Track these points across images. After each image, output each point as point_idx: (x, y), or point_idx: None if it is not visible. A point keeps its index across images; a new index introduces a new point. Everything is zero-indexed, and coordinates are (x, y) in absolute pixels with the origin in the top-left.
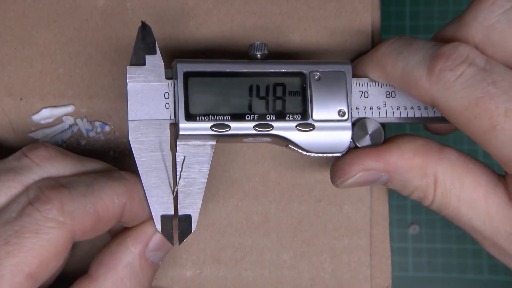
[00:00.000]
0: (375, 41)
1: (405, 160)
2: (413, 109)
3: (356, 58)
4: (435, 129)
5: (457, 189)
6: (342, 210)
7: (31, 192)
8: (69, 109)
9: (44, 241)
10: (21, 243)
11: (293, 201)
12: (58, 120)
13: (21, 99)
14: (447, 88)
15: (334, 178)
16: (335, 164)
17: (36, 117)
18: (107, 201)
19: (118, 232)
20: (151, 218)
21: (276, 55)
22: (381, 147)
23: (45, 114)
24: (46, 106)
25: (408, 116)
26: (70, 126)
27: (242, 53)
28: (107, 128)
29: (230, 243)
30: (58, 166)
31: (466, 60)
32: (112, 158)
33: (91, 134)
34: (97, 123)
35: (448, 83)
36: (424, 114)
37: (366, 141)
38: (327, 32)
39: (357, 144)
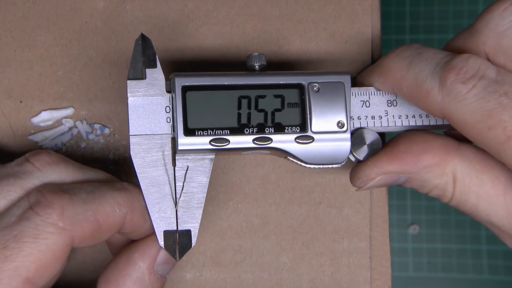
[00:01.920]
0: (374, 43)
1: (425, 161)
2: (414, 117)
3: (356, 61)
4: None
5: (476, 186)
6: (342, 213)
7: (32, 196)
8: (69, 111)
9: (43, 246)
10: (20, 247)
11: (293, 204)
12: (58, 123)
13: (21, 101)
14: (459, 100)
15: (353, 180)
16: (356, 166)
17: (35, 120)
18: (108, 210)
19: (118, 244)
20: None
21: (276, 58)
22: (401, 149)
23: (45, 117)
24: (46, 108)
25: (410, 124)
26: (70, 128)
27: (242, 57)
28: (106, 131)
29: (229, 245)
30: (60, 172)
31: (477, 73)
32: (112, 161)
33: (91, 136)
34: (96, 126)
35: (460, 95)
36: (426, 123)
37: (364, 151)
38: (327, 34)
39: (355, 154)
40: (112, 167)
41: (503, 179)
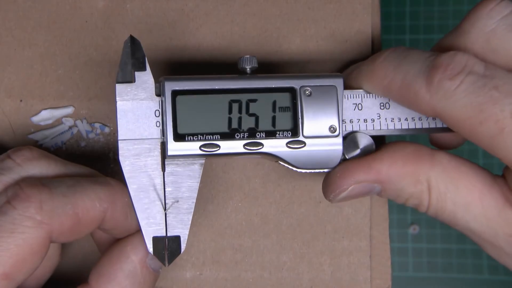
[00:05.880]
0: (375, 42)
1: (396, 169)
2: (407, 120)
3: (356, 60)
4: (443, 143)
5: (452, 193)
6: (342, 212)
7: (10, 190)
8: (69, 110)
9: (20, 241)
10: None
11: (293, 203)
12: (58, 122)
13: (21, 100)
14: (448, 97)
15: (326, 193)
16: (326, 179)
17: (35, 119)
18: (88, 204)
19: (106, 243)
20: (135, 226)
21: (276, 57)
22: (371, 157)
23: (45, 116)
24: (46, 107)
25: (403, 127)
26: (70, 127)
27: (242, 56)
28: (106, 130)
29: (230, 244)
30: (41, 167)
31: (465, 68)
32: (112, 159)
33: (91, 135)
34: (97, 125)
35: (449, 92)
36: (418, 125)
37: (357, 155)
38: (327, 33)
39: (347, 158)
40: (112, 166)
41: (478, 185)
